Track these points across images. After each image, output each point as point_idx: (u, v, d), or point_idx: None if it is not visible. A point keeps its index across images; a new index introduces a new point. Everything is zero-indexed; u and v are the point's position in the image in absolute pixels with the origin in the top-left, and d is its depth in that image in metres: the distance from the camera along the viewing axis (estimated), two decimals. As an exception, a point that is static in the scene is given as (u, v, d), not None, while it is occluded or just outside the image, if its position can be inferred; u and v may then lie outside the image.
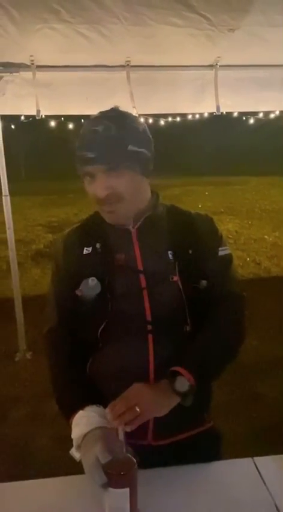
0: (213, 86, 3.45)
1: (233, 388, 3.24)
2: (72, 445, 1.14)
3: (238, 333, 1.33)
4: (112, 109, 1.27)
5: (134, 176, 1.24)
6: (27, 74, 3.25)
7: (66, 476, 1.25)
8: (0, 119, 3.60)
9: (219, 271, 1.33)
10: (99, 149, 1.18)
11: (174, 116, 3.98)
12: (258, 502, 1.14)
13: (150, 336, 1.23)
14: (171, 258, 1.28)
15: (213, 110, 3.55)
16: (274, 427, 2.80)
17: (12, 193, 3.88)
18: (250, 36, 2.84)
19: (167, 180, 14.78)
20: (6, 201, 3.83)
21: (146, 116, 3.61)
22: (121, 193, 1.22)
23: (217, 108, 3.50)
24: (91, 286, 1.23)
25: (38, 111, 3.33)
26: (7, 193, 3.82)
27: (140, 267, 1.27)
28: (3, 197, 3.83)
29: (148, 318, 1.24)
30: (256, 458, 1.28)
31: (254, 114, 4.16)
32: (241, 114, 4.20)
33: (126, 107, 3.54)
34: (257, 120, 4.29)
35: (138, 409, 1.06)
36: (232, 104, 3.76)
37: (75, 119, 3.88)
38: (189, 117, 4.28)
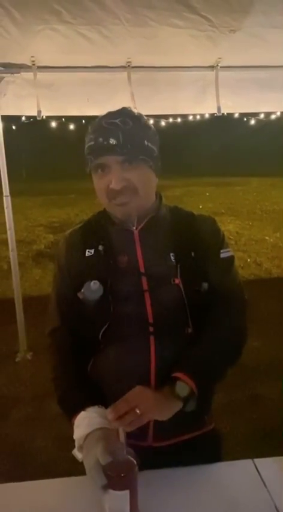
0: (214, 87, 3.46)
1: (234, 390, 3.24)
2: (73, 446, 1.15)
3: (240, 336, 1.32)
4: (124, 108, 1.27)
5: (147, 171, 1.25)
6: (28, 75, 3.26)
7: (67, 477, 1.25)
8: (1, 119, 3.61)
9: (221, 273, 1.32)
10: (118, 140, 1.18)
11: (174, 116, 3.98)
12: (258, 503, 1.14)
13: (151, 338, 1.23)
14: (173, 260, 1.28)
15: (214, 110, 3.55)
16: (275, 428, 2.80)
17: (13, 193, 3.89)
18: (251, 37, 2.84)
19: (168, 180, 14.79)
20: (7, 201, 3.83)
21: (147, 116, 3.60)
22: (136, 186, 1.22)
23: (218, 109, 3.50)
24: (93, 289, 1.23)
25: (39, 112, 3.34)
26: (8, 193, 3.82)
27: (142, 270, 1.27)
28: (4, 197, 3.84)
29: (150, 320, 1.24)
30: (256, 460, 1.28)
31: (255, 115, 4.16)
32: (242, 115, 4.20)
33: (122, 108, 3.57)
34: (258, 121, 4.29)
35: (138, 411, 1.06)
36: (233, 105, 3.77)
37: (76, 119, 3.88)
38: (190, 118, 4.28)
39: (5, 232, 3.96)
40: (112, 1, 2.40)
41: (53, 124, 3.79)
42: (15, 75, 3.29)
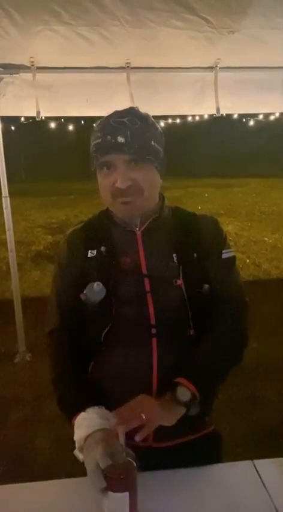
0: (213, 88, 3.46)
1: (233, 391, 3.24)
2: (72, 447, 1.15)
3: (241, 338, 1.32)
4: (132, 107, 1.27)
5: (152, 172, 1.25)
6: (27, 76, 3.26)
7: (66, 478, 1.24)
8: (0, 120, 3.61)
9: (221, 274, 1.32)
10: (126, 138, 1.18)
11: (174, 117, 3.98)
12: (258, 504, 1.14)
13: (154, 340, 1.23)
14: (175, 261, 1.28)
15: (213, 111, 3.56)
16: (275, 429, 2.80)
17: (12, 194, 3.88)
18: (251, 39, 2.85)
19: (167, 181, 14.73)
20: (6, 202, 3.83)
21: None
22: (141, 186, 1.22)
23: (217, 110, 3.51)
24: (96, 290, 1.23)
25: (38, 113, 3.34)
26: (7, 194, 3.82)
27: (145, 271, 1.27)
28: (3, 198, 3.83)
29: (152, 321, 1.24)
30: (256, 461, 1.28)
31: (254, 116, 4.17)
32: (241, 116, 4.20)
33: (122, 109, 3.57)
34: (257, 122, 4.29)
35: (144, 417, 1.06)
36: (232, 106, 3.77)
37: (75, 120, 3.88)
38: (189, 119, 4.28)
39: (4, 233, 3.96)
40: (111, 2, 2.41)
41: (52, 125, 3.79)
42: (14, 75, 3.29)
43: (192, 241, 1.32)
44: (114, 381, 1.25)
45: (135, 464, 1.00)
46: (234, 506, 1.13)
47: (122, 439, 1.01)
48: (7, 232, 3.91)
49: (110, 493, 0.98)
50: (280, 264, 7.22)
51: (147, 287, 1.25)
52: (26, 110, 3.53)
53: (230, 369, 1.28)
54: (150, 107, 3.61)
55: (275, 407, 3.13)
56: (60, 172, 22.91)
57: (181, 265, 1.27)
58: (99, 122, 1.26)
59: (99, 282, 1.22)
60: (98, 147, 1.21)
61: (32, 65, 3.19)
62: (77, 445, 1.12)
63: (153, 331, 1.23)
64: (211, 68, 3.42)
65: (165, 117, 3.99)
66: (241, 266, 6.88)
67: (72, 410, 1.18)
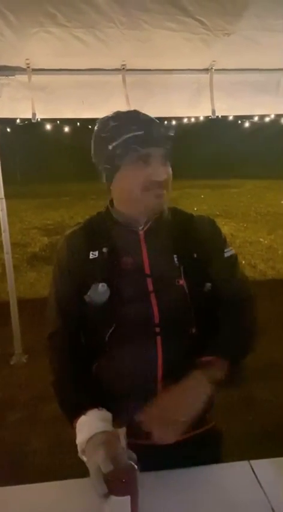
0: (209, 90, 3.47)
1: (229, 391, 3.24)
2: (69, 448, 1.16)
3: (251, 333, 1.34)
4: (135, 110, 1.31)
5: (170, 170, 1.29)
6: (23, 77, 3.25)
7: (63, 480, 1.24)
8: (-4, 122, 3.61)
9: (227, 272, 1.36)
10: (164, 129, 1.24)
11: (169, 119, 3.98)
12: (254, 505, 1.14)
13: (158, 339, 1.25)
14: (176, 261, 1.30)
15: (209, 113, 3.56)
16: (271, 430, 2.80)
17: (7, 196, 3.88)
18: (246, 41, 2.85)
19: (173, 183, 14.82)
20: (2, 203, 3.82)
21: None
22: (170, 181, 1.27)
23: (213, 111, 3.51)
24: (101, 291, 1.24)
25: (34, 115, 3.33)
26: (2, 196, 3.82)
27: (147, 271, 1.28)
28: (-2, 200, 3.83)
29: (156, 321, 1.25)
30: (252, 461, 1.29)
31: (249, 117, 4.18)
32: (236, 117, 4.21)
33: (122, 110, 3.55)
34: (252, 124, 4.31)
35: (182, 418, 1.10)
36: (228, 108, 3.78)
37: (70, 122, 3.88)
38: (185, 120, 4.29)
39: (0, 235, 3.95)
40: (107, 4, 2.41)
41: (48, 126, 3.79)
42: (9, 77, 3.28)
43: (192, 241, 1.33)
44: (120, 380, 1.26)
45: (136, 467, 1.00)
46: (231, 506, 1.13)
47: (123, 442, 1.00)
48: (3, 234, 3.90)
49: (112, 497, 0.98)
50: (276, 265, 7.25)
51: (150, 287, 1.27)
52: (21, 111, 3.53)
53: (245, 356, 1.32)
54: (146, 109, 3.55)
55: (271, 407, 3.13)
56: (55, 173, 22.91)
57: (182, 265, 1.29)
58: (110, 120, 1.27)
59: (103, 283, 1.23)
60: (139, 139, 1.21)
61: (28, 67, 3.18)
62: (79, 448, 1.12)
63: (157, 330, 1.25)
64: (206, 70, 3.42)
65: (160, 119, 3.99)
66: (237, 267, 6.88)
67: (73, 414, 1.18)
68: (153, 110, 3.63)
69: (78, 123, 3.89)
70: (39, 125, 3.65)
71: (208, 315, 1.29)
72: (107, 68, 3.30)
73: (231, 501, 1.15)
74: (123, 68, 3.26)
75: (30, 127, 3.83)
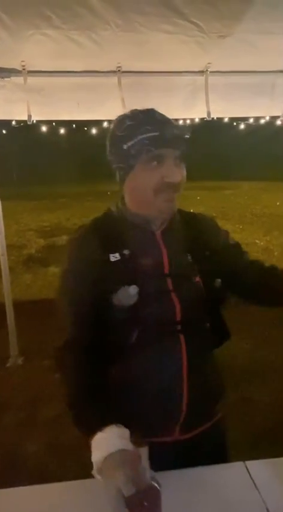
0: (204, 92, 3.48)
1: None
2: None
3: None
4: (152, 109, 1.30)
5: (185, 171, 1.29)
6: (18, 79, 3.25)
7: (59, 482, 1.24)
8: (-9, 123, 3.61)
9: (240, 253, 1.48)
10: (178, 131, 1.23)
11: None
12: (249, 506, 1.15)
13: (181, 336, 1.28)
14: (190, 260, 1.34)
15: (204, 115, 3.58)
16: (266, 431, 2.81)
17: (3, 197, 3.88)
18: (241, 43, 2.87)
19: (159, 184, 14.84)
20: (-2, 205, 3.82)
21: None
22: (182, 184, 1.26)
23: (208, 113, 3.53)
24: (131, 294, 1.23)
25: (29, 116, 3.34)
26: (-2, 198, 3.81)
27: (166, 271, 1.30)
28: (-6, 202, 3.82)
29: (178, 318, 1.28)
30: (247, 462, 1.29)
31: (245, 119, 4.20)
32: (232, 119, 4.23)
33: (118, 112, 3.56)
34: (248, 126, 4.32)
35: None
36: (223, 110, 3.79)
37: (66, 124, 3.89)
38: (181, 122, 4.29)
39: (-4, 237, 3.95)
40: (102, 7, 2.41)
41: (44, 128, 3.79)
42: (5, 79, 3.28)
43: (202, 239, 1.39)
44: (147, 380, 1.27)
45: (159, 488, 0.96)
46: (226, 507, 1.14)
47: (144, 462, 0.97)
48: (-1, 236, 3.90)
49: None
50: (272, 266, 7.26)
51: (170, 286, 1.29)
52: (17, 113, 3.53)
53: None
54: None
55: (266, 408, 3.14)
56: (51, 175, 22.89)
57: (197, 263, 1.34)
58: (126, 118, 1.26)
59: (134, 286, 1.23)
60: (154, 140, 1.21)
61: (23, 69, 3.19)
62: (94, 466, 1.07)
63: (179, 327, 1.28)
64: (202, 72, 3.43)
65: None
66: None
67: (89, 430, 1.11)
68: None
69: (74, 125, 3.89)
70: (35, 126, 3.65)
71: (219, 310, 1.37)
72: (102, 70, 3.31)
73: (227, 502, 1.15)
74: (119, 70, 3.27)
75: (26, 129, 3.83)
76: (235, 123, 4.20)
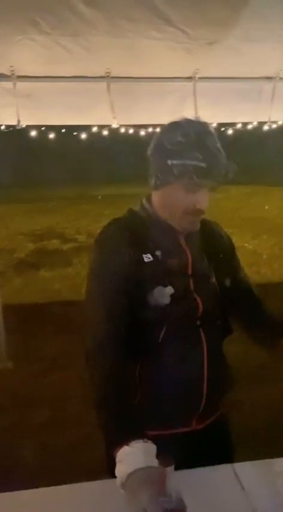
0: (193, 98, 3.51)
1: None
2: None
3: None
4: (208, 124, 1.38)
5: None
6: (7, 84, 3.25)
7: (52, 486, 1.25)
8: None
9: (241, 269, 1.61)
10: (224, 167, 1.28)
11: (155, 126, 4.01)
12: (237, 507, 1.16)
13: (201, 330, 1.38)
14: (207, 261, 1.44)
15: (193, 121, 3.60)
16: (254, 433, 2.83)
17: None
18: (228, 50, 2.90)
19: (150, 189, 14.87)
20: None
21: (127, 126, 3.64)
22: (207, 207, 1.36)
23: (196, 119, 3.55)
24: (167, 294, 1.31)
25: (18, 121, 3.34)
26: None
27: (190, 272, 1.39)
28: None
29: (199, 314, 1.38)
30: (235, 465, 1.31)
31: (233, 125, 4.23)
32: (220, 125, 4.26)
33: (107, 117, 3.58)
34: (236, 131, 4.35)
35: None
36: (211, 115, 3.81)
37: (56, 128, 3.89)
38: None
39: (-15, 242, 3.93)
40: (90, 13, 2.43)
41: (33, 133, 3.78)
42: (-6, 84, 3.29)
43: (217, 242, 1.52)
44: (172, 374, 1.34)
45: (185, 507, 0.96)
46: (214, 510, 1.15)
47: (170, 481, 0.97)
48: (-12, 241, 3.88)
49: None
50: (261, 270, 7.31)
51: (192, 286, 1.38)
52: (6, 118, 3.52)
53: None
54: (131, 116, 3.66)
55: (255, 410, 3.16)
56: (41, 179, 22.79)
57: (213, 265, 1.45)
58: (178, 132, 1.30)
59: (170, 287, 1.31)
60: (200, 171, 1.25)
61: (12, 74, 3.19)
62: (118, 480, 1.06)
63: (199, 323, 1.38)
64: (190, 78, 3.46)
65: (146, 126, 4.02)
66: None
67: (115, 442, 1.11)
68: (137, 117, 3.71)
69: (64, 130, 3.90)
70: (24, 131, 3.64)
71: (228, 308, 1.48)
72: (91, 76, 3.32)
73: (214, 504, 1.16)
74: (108, 76, 3.28)
75: (16, 133, 3.82)
76: (223, 129, 4.23)
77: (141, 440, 1.09)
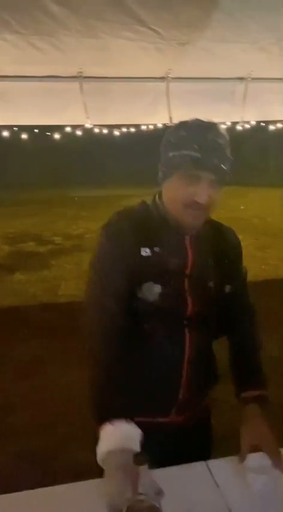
0: (166, 98, 3.52)
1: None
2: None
3: (261, 341, 1.56)
4: (217, 124, 1.38)
5: (220, 191, 1.38)
6: (-21, 85, 3.21)
7: (29, 490, 1.24)
8: None
9: (242, 282, 1.58)
10: (221, 161, 1.30)
11: (128, 126, 4.03)
12: (211, 504, 1.17)
13: (186, 330, 1.41)
14: (210, 265, 1.44)
15: (166, 121, 3.62)
16: (230, 430, 2.85)
17: None
18: (200, 51, 2.91)
19: (131, 190, 14.88)
20: None
21: (101, 126, 3.63)
22: (211, 204, 1.34)
23: (170, 119, 3.57)
24: (155, 291, 1.33)
25: (-9, 122, 3.30)
26: None
27: (188, 272, 1.40)
28: None
29: (188, 315, 1.40)
30: (209, 461, 1.32)
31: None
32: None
33: (81, 117, 3.56)
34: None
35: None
36: (185, 116, 3.79)
37: (28, 128, 3.85)
38: (144, 128, 4.33)
39: None
40: (62, 12, 2.41)
41: (5, 133, 3.74)
42: None
43: (224, 249, 1.51)
44: (151, 365, 1.38)
45: (159, 508, 0.96)
46: (188, 507, 1.15)
47: (146, 480, 0.97)
48: None
49: None
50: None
51: (186, 286, 1.39)
52: (-22, 119, 3.48)
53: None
54: (105, 117, 3.65)
55: (231, 408, 3.18)
56: (14, 181, 22.50)
57: (215, 269, 1.45)
58: (183, 127, 1.36)
59: (158, 285, 1.33)
60: (195, 161, 1.28)
61: (-16, 74, 3.15)
62: (98, 456, 1.12)
63: (186, 322, 1.40)
64: (163, 78, 3.47)
65: (119, 126, 4.02)
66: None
67: (100, 416, 1.18)
68: (111, 117, 3.71)
69: (36, 130, 3.86)
70: (-3, 131, 3.60)
71: (221, 309, 1.48)
72: (64, 76, 3.30)
73: (188, 501, 1.17)
74: (80, 76, 3.27)
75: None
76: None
77: (124, 421, 1.14)
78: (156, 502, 0.98)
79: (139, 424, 1.18)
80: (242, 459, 1.24)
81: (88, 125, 3.44)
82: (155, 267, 1.34)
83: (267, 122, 4.38)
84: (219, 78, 3.56)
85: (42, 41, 2.72)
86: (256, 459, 1.22)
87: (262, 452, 1.23)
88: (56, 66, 3.14)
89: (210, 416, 1.67)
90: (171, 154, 1.33)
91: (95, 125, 3.49)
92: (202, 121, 1.37)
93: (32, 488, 1.25)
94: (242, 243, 1.63)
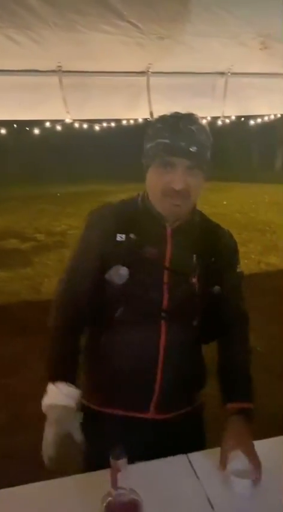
0: (147, 92, 3.51)
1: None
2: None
3: (250, 350, 1.56)
4: (193, 114, 1.41)
5: (202, 179, 1.39)
6: None
7: (12, 487, 1.24)
8: None
9: (235, 286, 1.53)
10: (193, 147, 1.31)
11: (109, 121, 4.00)
12: (191, 495, 1.19)
13: (163, 323, 1.39)
14: (194, 261, 1.43)
15: (147, 115, 3.61)
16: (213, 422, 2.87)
17: None
18: (179, 45, 2.91)
19: (113, 186, 14.84)
20: None
21: (81, 121, 3.60)
22: (190, 191, 1.34)
23: (151, 114, 3.57)
24: (121, 274, 1.35)
25: None
26: None
27: (167, 264, 1.40)
28: None
29: (164, 307, 1.39)
30: (190, 454, 1.33)
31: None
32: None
33: (60, 112, 3.52)
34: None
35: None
36: (167, 110, 3.80)
37: (7, 123, 3.79)
38: (124, 122, 4.31)
39: None
40: (39, 6, 2.37)
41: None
42: None
43: (213, 247, 1.49)
44: (124, 355, 1.40)
45: (140, 501, 0.98)
46: (169, 499, 1.16)
47: (124, 470, 0.97)
48: None
49: None
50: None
51: (165, 279, 1.39)
52: None
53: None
54: (85, 111, 3.62)
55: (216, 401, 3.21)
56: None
57: (199, 266, 1.42)
58: (160, 120, 1.39)
59: (125, 268, 1.34)
60: (166, 147, 1.30)
61: None
62: (43, 407, 1.30)
63: (163, 315, 1.40)
64: (143, 73, 3.46)
65: (100, 121, 3.99)
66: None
67: (49, 374, 1.35)
68: (91, 112, 3.68)
69: (15, 125, 3.81)
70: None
71: (212, 312, 1.45)
72: (43, 70, 3.26)
73: (169, 494, 1.18)
74: (59, 70, 3.23)
75: None
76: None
77: (65, 383, 1.30)
78: (136, 495, 0.98)
79: (119, 418, 1.27)
80: (223, 466, 1.25)
81: (68, 120, 3.41)
82: (127, 251, 1.37)
83: (248, 117, 4.40)
84: (200, 73, 3.56)
85: (20, 34, 2.67)
86: (238, 463, 1.24)
87: (244, 457, 1.25)
88: (34, 60, 3.10)
89: (202, 415, 1.64)
90: (148, 145, 1.37)
91: (74, 120, 3.46)
92: (180, 113, 1.40)
93: (15, 485, 1.24)
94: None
